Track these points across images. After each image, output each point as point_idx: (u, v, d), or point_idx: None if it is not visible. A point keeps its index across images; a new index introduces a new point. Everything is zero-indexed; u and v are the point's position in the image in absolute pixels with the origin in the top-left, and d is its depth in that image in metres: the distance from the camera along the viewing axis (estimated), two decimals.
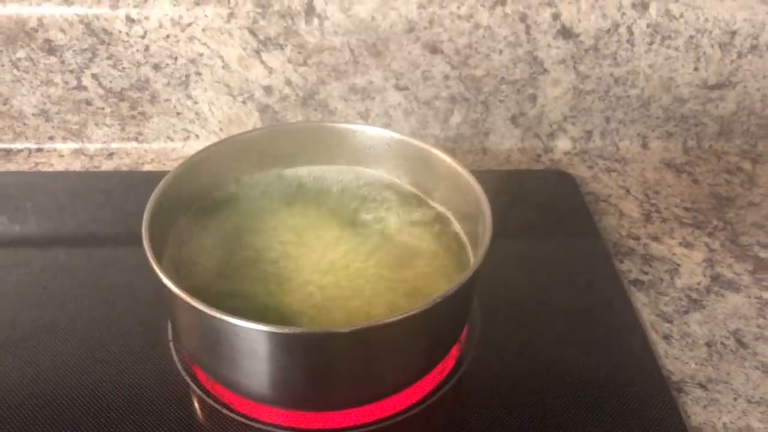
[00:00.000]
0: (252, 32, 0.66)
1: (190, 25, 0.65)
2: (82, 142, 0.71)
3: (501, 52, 0.68)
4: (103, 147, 0.72)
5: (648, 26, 0.67)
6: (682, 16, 0.67)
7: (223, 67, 0.67)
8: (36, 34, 0.65)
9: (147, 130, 0.71)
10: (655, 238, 0.62)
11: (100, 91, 0.68)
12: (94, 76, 0.68)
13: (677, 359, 0.51)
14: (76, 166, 0.70)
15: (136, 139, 0.72)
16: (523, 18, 0.66)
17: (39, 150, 0.71)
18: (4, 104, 0.69)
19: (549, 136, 0.73)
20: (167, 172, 0.49)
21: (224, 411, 0.46)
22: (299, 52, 0.67)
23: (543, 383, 0.49)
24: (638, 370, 0.50)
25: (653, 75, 0.70)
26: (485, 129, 0.73)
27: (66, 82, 0.68)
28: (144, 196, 0.46)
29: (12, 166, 0.69)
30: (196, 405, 0.47)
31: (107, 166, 0.70)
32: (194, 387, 0.48)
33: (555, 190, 0.68)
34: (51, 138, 0.71)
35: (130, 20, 0.65)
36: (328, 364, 0.42)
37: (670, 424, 0.46)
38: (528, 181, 0.70)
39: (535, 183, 0.69)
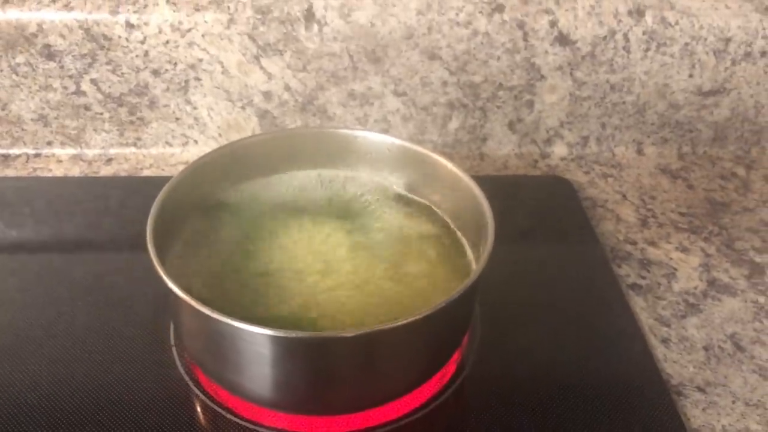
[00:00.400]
0: (251, 38, 0.66)
1: (189, 30, 0.65)
2: (81, 147, 0.71)
3: (499, 58, 0.68)
4: (101, 152, 0.72)
5: (644, 33, 0.68)
6: (677, 23, 0.68)
7: (222, 73, 0.68)
8: (35, 39, 0.65)
9: (146, 136, 0.71)
10: (652, 243, 0.63)
11: (99, 97, 0.68)
12: (93, 82, 0.68)
13: (676, 363, 0.52)
14: (75, 171, 0.70)
15: (135, 145, 0.72)
16: (521, 25, 0.67)
17: (37, 155, 0.71)
18: (3, 109, 0.69)
19: (546, 141, 0.74)
20: (166, 177, 0.49)
21: (227, 415, 0.46)
22: (298, 58, 0.67)
23: (543, 387, 0.49)
24: (638, 374, 0.50)
25: (649, 81, 0.71)
26: (483, 135, 0.73)
27: (65, 88, 0.68)
28: (143, 201, 0.46)
29: (10, 172, 0.69)
30: (199, 409, 0.47)
31: (106, 171, 0.70)
32: (197, 391, 0.48)
33: (552, 195, 0.68)
34: (49, 143, 0.71)
35: (129, 26, 0.65)
36: (331, 368, 0.42)
37: (671, 426, 0.46)
38: (525, 186, 0.70)
39: (533, 188, 0.70)
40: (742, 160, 0.75)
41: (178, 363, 0.49)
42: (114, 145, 0.71)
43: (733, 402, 0.49)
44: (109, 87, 0.68)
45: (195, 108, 0.70)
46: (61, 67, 0.67)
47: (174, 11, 0.65)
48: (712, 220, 0.66)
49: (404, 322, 0.40)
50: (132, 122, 0.70)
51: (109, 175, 0.69)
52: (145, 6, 0.65)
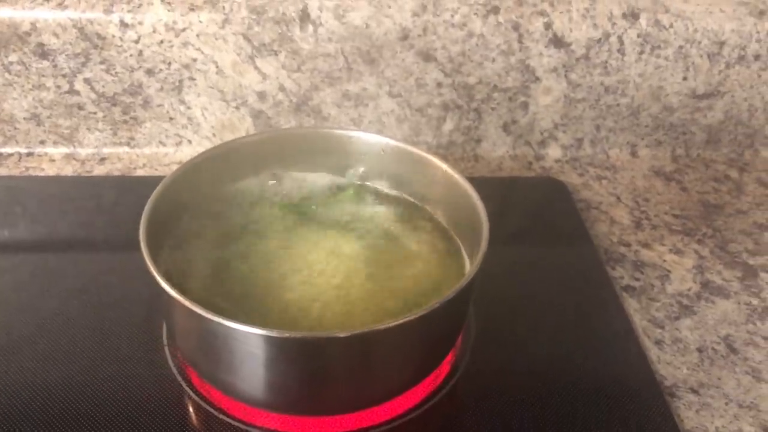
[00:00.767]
0: (246, 38, 0.66)
1: (184, 30, 0.65)
2: (74, 146, 0.71)
3: (494, 60, 0.68)
4: (94, 152, 0.71)
5: (638, 36, 0.68)
6: (671, 26, 0.68)
7: (216, 73, 0.67)
8: (29, 38, 0.65)
9: (139, 135, 0.71)
10: (646, 245, 0.63)
11: (93, 96, 0.68)
12: (87, 81, 0.67)
13: (669, 364, 0.52)
14: (68, 171, 0.69)
15: (128, 144, 0.71)
16: (516, 27, 0.67)
17: (30, 154, 0.71)
18: None
19: (540, 143, 0.74)
20: (159, 177, 0.48)
21: (219, 415, 0.46)
22: (293, 59, 0.67)
23: (537, 389, 0.49)
24: (632, 376, 0.50)
25: (643, 84, 0.71)
26: (477, 136, 0.73)
27: (58, 87, 0.67)
28: (136, 201, 0.46)
29: (2, 171, 0.69)
30: (191, 409, 0.47)
31: (99, 171, 0.70)
32: (189, 391, 0.47)
33: (547, 197, 0.68)
34: (42, 142, 0.71)
35: (123, 25, 0.65)
36: (324, 368, 0.42)
37: (664, 428, 0.46)
38: (520, 188, 0.70)
39: (527, 190, 0.70)
40: (736, 162, 0.75)
41: (170, 363, 0.49)
42: (107, 144, 0.71)
43: (726, 403, 0.49)
44: (103, 86, 0.68)
45: (189, 108, 0.69)
46: (55, 66, 0.66)
47: (168, 11, 0.64)
48: (705, 223, 0.66)
49: (398, 322, 0.40)
50: (125, 122, 0.70)
51: (102, 175, 0.69)
52: (140, 5, 0.64)
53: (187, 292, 0.41)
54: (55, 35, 0.65)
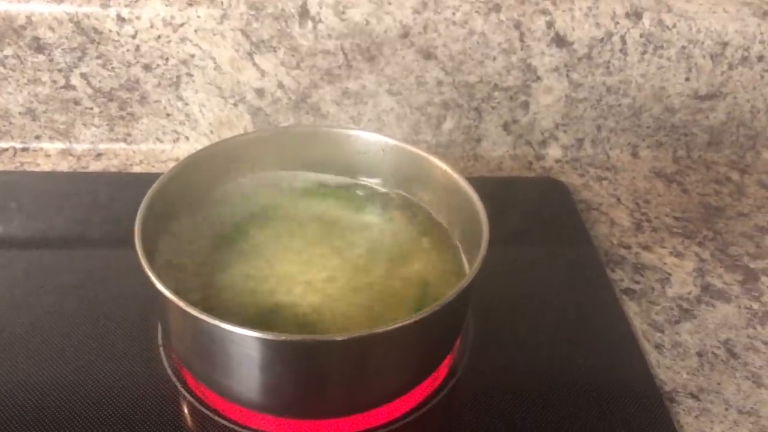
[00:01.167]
0: (245, 34, 0.65)
1: (182, 25, 0.64)
2: (70, 142, 0.70)
3: (495, 58, 0.68)
4: (91, 147, 0.71)
5: (641, 36, 0.67)
6: (674, 26, 0.67)
7: (214, 69, 0.67)
8: (24, 31, 0.64)
9: (136, 131, 0.70)
10: (646, 247, 0.63)
11: (89, 91, 0.67)
12: (83, 76, 0.67)
13: (669, 369, 0.51)
14: (63, 166, 0.69)
15: (125, 140, 0.71)
16: (518, 25, 0.66)
17: (25, 149, 0.70)
18: None
19: (541, 143, 0.73)
20: (156, 174, 0.48)
21: (214, 417, 0.45)
22: (292, 55, 0.66)
23: (535, 392, 0.49)
24: (631, 380, 0.50)
25: (645, 84, 0.70)
26: (477, 135, 0.72)
27: (54, 81, 0.67)
28: (132, 198, 0.46)
29: None
30: (186, 410, 0.47)
31: (95, 167, 0.69)
32: (184, 392, 0.47)
33: (547, 197, 0.68)
34: (38, 137, 0.70)
35: (120, 19, 0.64)
36: (321, 372, 0.41)
37: None
38: (520, 188, 0.70)
39: (527, 190, 0.69)
40: (737, 164, 0.74)
41: (165, 363, 0.48)
42: (104, 140, 0.70)
43: (726, 409, 0.49)
44: (100, 81, 0.67)
45: (186, 104, 0.69)
46: (51, 61, 0.65)
47: (166, 5, 0.64)
48: (706, 225, 0.66)
49: (395, 326, 0.39)
50: (122, 117, 0.69)
51: (99, 171, 0.68)
52: (137, 0, 0.64)
53: (182, 293, 0.40)
54: (51, 29, 0.64)
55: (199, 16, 0.64)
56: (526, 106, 0.71)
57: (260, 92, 0.68)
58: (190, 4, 0.64)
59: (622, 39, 0.67)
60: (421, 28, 0.65)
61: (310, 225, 0.51)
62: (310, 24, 0.65)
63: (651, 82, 0.70)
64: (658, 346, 0.53)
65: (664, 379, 0.51)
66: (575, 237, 0.63)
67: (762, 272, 0.60)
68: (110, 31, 0.64)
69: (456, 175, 0.49)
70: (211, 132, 0.70)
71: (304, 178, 0.54)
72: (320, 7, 0.64)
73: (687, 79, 0.70)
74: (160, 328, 0.50)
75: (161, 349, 0.49)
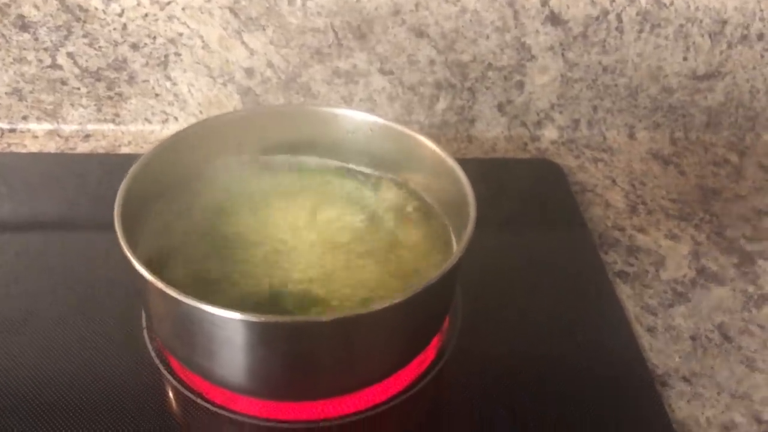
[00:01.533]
0: (233, 12, 0.64)
1: (169, 3, 0.63)
2: (57, 123, 0.69)
3: (488, 37, 0.66)
4: (78, 128, 0.70)
5: (637, 14, 0.66)
6: (672, 4, 0.66)
7: (203, 48, 0.65)
8: (8, 9, 0.63)
9: (124, 112, 0.69)
10: (641, 230, 0.62)
11: (76, 71, 0.66)
12: (70, 55, 0.65)
13: (661, 352, 0.51)
14: (51, 147, 0.68)
15: (113, 121, 0.70)
16: (511, 3, 0.65)
17: (12, 130, 0.69)
18: None
19: (536, 124, 0.72)
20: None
21: (198, 400, 0.45)
22: (281, 34, 0.65)
23: (525, 374, 0.48)
24: (623, 363, 0.49)
25: (642, 64, 0.69)
26: (471, 116, 0.71)
27: (40, 60, 0.66)
28: (121, 179, 0.45)
29: None
30: (170, 394, 0.46)
31: (83, 148, 0.68)
32: (168, 376, 0.46)
33: (541, 179, 0.67)
34: (24, 118, 0.69)
35: None
36: (307, 354, 0.41)
37: (655, 417, 0.45)
38: (514, 170, 0.69)
39: (521, 172, 0.68)
40: (736, 146, 0.73)
41: (149, 346, 0.48)
42: (91, 121, 0.69)
43: (719, 393, 0.48)
44: (86, 61, 0.66)
45: (175, 84, 0.68)
46: (36, 39, 0.64)
47: None
48: (703, 207, 0.65)
49: (382, 306, 0.38)
50: (110, 98, 0.68)
51: (87, 152, 0.67)
52: None
53: (165, 275, 0.40)
54: (36, 7, 0.63)
55: None
56: (520, 86, 0.70)
57: (249, 72, 0.67)
58: None
59: (618, 17, 0.66)
60: (412, 5, 0.64)
61: (296, 207, 0.50)
62: (299, 1, 0.64)
63: (648, 62, 0.69)
64: (651, 330, 0.52)
65: (656, 362, 0.50)
66: (569, 219, 0.62)
67: (758, 255, 0.59)
68: (96, 9, 0.63)
69: (444, 155, 0.48)
70: (200, 112, 0.69)
71: (290, 158, 0.53)
72: None
73: (685, 59, 0.69)
74: (143, 312, 0.49)
75: (145, 332, 0.49)
